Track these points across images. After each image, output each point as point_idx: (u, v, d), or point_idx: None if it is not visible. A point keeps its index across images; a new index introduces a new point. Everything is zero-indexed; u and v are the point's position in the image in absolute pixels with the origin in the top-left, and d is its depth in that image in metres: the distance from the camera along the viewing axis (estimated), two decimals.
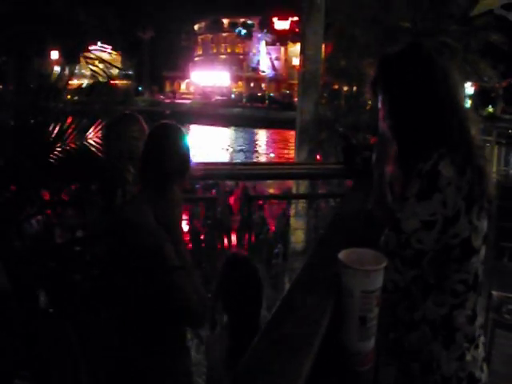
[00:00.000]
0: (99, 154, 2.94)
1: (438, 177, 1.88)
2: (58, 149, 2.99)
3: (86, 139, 3.01)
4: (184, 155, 2.54)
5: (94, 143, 2.99)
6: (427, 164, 1.91)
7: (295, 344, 1.30)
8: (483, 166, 1.98)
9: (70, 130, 2.99)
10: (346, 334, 1.62)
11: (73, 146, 3.03)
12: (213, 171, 3.62)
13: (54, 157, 2.96)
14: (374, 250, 1.72)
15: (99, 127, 3.11)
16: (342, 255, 1.60)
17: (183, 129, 2.61)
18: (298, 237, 7.86)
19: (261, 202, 12.28)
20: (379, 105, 2.17)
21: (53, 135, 2.95)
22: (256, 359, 1.24)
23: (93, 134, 3.04)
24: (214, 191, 13.45)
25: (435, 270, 1.97)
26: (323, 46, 8.50)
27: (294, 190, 8.41)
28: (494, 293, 4.29)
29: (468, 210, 1.91)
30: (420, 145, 1.98)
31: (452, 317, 2.01)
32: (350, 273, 1.57)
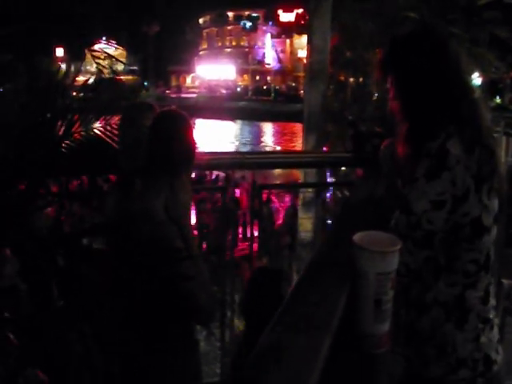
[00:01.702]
0: (113, 144, 2.94)
1: (447, 155, 1.88)
2: (68, 140, 3.01)
3: (98, 130, 3.01)
4: (189, 141, 2.50)
5: (107, 133, 3.00)
6: (435, 143, 1.92)
7: (312, 325, 1.29)
8: (492, 145, 1.99)
9: (77, 125, 3.00)
10: (361, 316, 1.62)
11: (81, 137, 3.04)
12: (221, 160, 3.61)
13: (64, 149, 2.97)
14: (388, 233, 1.71)
15: (108, 119, 3.12)
16: (356, 238, 1.60)
17: (187, 115, 2.57)
18: (305, 227, 7.84)
19: (267, 193, 12.33)
20: (388, 85, 2.17)
21: (60, 131, 2.97)
22: (273, 339, 1.24)
23: (104, 124, 3.04)
24: (220, 183, 13.50)
25: (446, 250, 1.98)
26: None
27: (301, 181, 8.40)
28: (505, 281, 4.28)
29: (478, 188, 1.92)
30: (431, 124, 1.99)
31: (464, 297, 2.02)
32: (365, 255, 1.56)
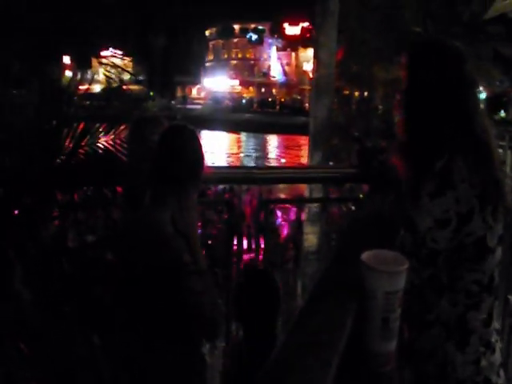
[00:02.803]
0: (122, 157, 2.95)
1: (452, 173, 1.90)
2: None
3: (107, 143, 3.02)
4: (197, 156, 2.51)
5: (116, 146, 3.01)
6: (440, 161, 1.93)
7: (321, 344, 1.30)
8: (498, 166, 1.99)
9: (86, 137, 3.02)
10: (369, 334, 1.62)
11: (90, 149, 3.06)
12: (228, 175, 3.63)
13: (73, 161, 2.98)
14: (395, 252, 1.72)
15: (117, 132, 3.13)
16: (364, 257, 1.61)
17: (195, 130, 2.58)
18: (310, 241, 7.83)
19: (272, 206, 12.29)
20: (397, 101, 2.19)
21: (69, 141, 2.98)
22: (283, 359, 1.25)
23: (112, 137, 3.06)
24: (227, 195, 13.47)
25: (449, 269, 1.98)
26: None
27: (307, 195, 8.39)
28: (511, 297, 4.26)
29: (482, 208, 1.92)
30: (437, 142, 2.00)
31: (466, 318, 2.01)
32: (373, 274, 1.57)
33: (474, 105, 2.05)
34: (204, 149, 2.55)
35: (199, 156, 2.51)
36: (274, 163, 40.12)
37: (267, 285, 2.82)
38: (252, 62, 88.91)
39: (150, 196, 2.51)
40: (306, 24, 75.61)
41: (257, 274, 2.96)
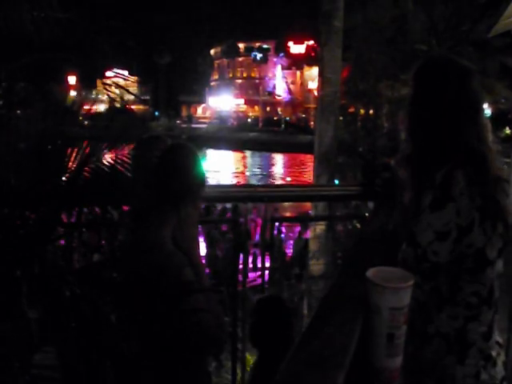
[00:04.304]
0: (127, 175, 2.96)
1: (451, 186, 1.90)
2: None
3: (112, 160, 3.04)
4: (196, 174, 2.51)
5: (121, 164, 3.02)
6: (440, 173, 1.93)
7: (327, 361, 1.30)
8: (499, 178, 1.99)
9: (90, 157, 3.03)
10: (374, 350, 1.62)
11: (95, 168, 3.07)
12: (233, 193, 3.64)
13: (78, 180, 3.00)
14: (400, 268, 1.72)
15: (120, 150, 3.15)
16: (370, 273, 1.61)
17: (195, 148, 2.59)
18: (315, 260, 7.79)
19: (278, 225, 12.30)
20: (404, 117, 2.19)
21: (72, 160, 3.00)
22: (288, 376, 1.24)
23: (117, 155, 3.07)
24: (229, 214, 13.47)
25: (450, 281, 1.98)
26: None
27: (312, 213, 8.38)
28: None
29: (482, 221, 1.92)
30: (436, 154, 2.00)
31: (466, 331, 2.01)
32: (378, 290, 1.57)
33: (475, 118, 2.05)
34: (204, 166, 2.56)
35: (198, 174, 2.52)
36: (279, 181, 40.12)
37: (280, 312, 2.89)
38: (257, 80, 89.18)
39: (152, 213, 2.52)
40: (310, 42, 75.95)
41: (271, 304, 3.04)
